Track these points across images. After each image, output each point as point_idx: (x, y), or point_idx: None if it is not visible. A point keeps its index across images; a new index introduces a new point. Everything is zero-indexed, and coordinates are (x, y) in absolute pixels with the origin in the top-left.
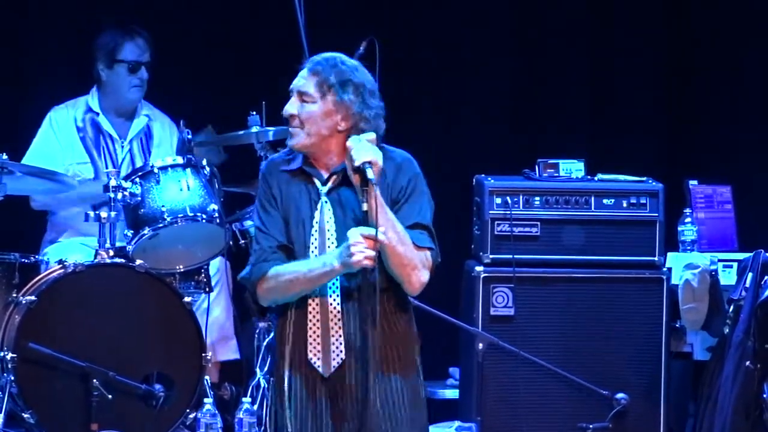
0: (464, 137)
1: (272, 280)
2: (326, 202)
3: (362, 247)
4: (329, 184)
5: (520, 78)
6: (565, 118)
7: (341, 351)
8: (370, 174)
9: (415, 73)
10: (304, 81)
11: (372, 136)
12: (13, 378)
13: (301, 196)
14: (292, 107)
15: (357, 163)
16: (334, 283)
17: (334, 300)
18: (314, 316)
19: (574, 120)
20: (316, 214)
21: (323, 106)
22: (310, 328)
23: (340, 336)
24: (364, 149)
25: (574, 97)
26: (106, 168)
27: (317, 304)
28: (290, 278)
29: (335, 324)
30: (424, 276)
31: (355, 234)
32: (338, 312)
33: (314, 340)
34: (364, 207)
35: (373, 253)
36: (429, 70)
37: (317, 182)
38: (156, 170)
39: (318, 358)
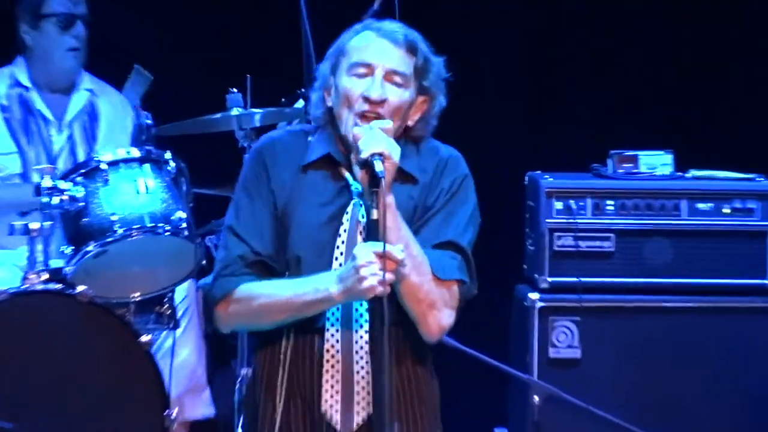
0: (512, 122)
1: (239, 303)
2: (360, 205)
3: (376, 269)
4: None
5: (579, 48)
6: (644, 96)
7: (367, 404)
8: (379, 167)
9: (444, 42)
10: (399, 57)
11: (388, 124)
12: None
13: (318, 194)
14: (383, 89)
15: (364, 155)
16: (357, 310)
17: (362, 337)
18: (333, 356)
19: (656, 100)
20: (345, 221)
21: (413, 94)
22: (327, 371)
23: (367, 383)
24: (375, 138)
25: (653, 73)
26: (38, 162)
27: (339, 339)
28: (266, 303)
29: (361, 368)
30: (445, 318)
31: (365, 252)
32: (366, 353)
33: (332, 386)
34: (373, 214)
35: (390, 278)
36: (460, 38)
37: (348, 177)
38: (104, 166)
39: (336, 411)
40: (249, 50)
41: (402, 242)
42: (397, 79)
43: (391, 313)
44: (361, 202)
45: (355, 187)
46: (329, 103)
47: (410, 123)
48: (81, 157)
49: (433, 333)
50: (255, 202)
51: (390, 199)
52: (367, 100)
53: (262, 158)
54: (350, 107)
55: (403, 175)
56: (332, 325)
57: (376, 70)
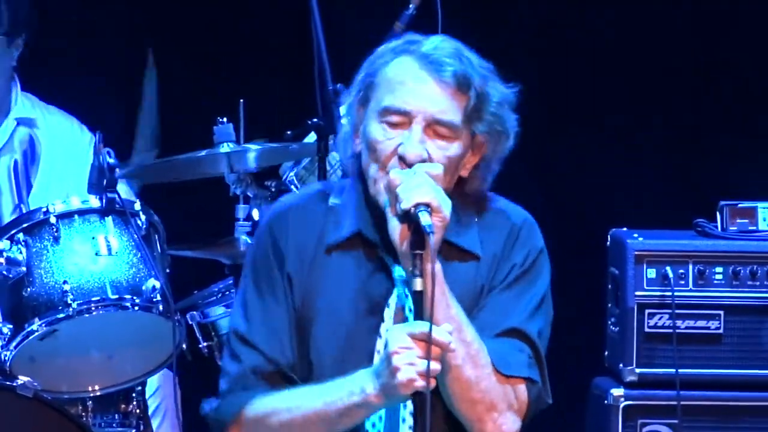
0: (587, 164)
1: (256, 423)
2: (406, 296)
3: (412, 357)
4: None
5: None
6: (760, 136)
7: None
8: (426, 220)
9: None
10: (446, 102)
11: (438, 169)
12: None
13: (348, 282)
14: (422, 146)
15: (405, 206)
16: (404, 418)
17: None
18: None
19: None
20: (387, 318)
21: (464, 144)
22: None
23: None
24: (419, 185)
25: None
26: None
27: None
28: (289, 419)
29: None
30: (508, 424)
31: (399, 335)
32: None
33: None
34: (416, 284)
35: (434, 368)
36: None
37: (385, 258)
38: (53, 219)
39: None
40: (243, 67)
41: (452, 324)
42: (443, 130)
43: (437, 418)
44: (407, 292)
45: (399, 273)
46: (357, 148)
47: (464, 173)
48: (6, 209)
49: None
50: (267, 299)
51: (438, 268)
52: (402, 159)
53: (271, 237)
54: (380, 163)
55: (460, 252)
56: (373, 425)
57: (414, 119)
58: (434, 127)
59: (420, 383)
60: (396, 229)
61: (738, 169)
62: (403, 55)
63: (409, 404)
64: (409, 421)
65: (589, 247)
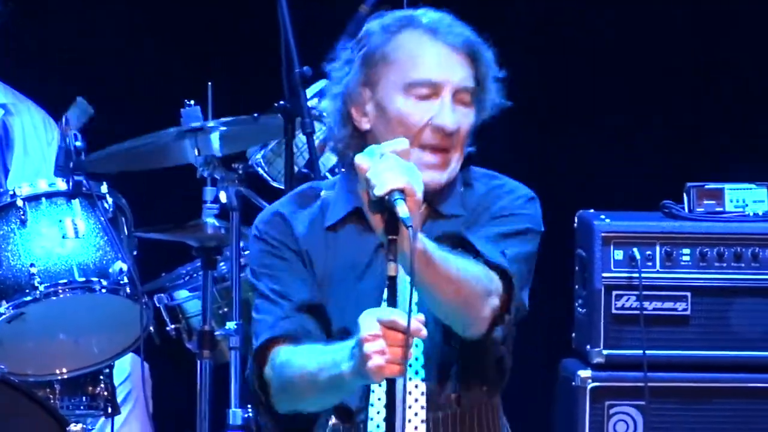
0: (556, 146)
1: (281, 368)
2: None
3: (381, 345)
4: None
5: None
6: (731, 113)
7: None
8: (403, 211)
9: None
10: (464, 70)
11: (404, 144)
12: None
13: (355, 256)
14: (455, 115)
15: (380, 193)
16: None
17: (416, 428)
18: None
19: (747, 118)
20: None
21: (476, 113)
22: None
23: None
24: (390, 169)
25: (744, 83)
26: None
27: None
28: (292, 377)
29: None
30: (493, 302)
31: (369, 322)
32: None
33: None
34: (391, 270)
35: (398, 355)
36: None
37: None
38: (20, 202)
39: None
40: (211, 50)
41: (442, 281)
42: (465, 98)
43: (446, 398)
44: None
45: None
46: (364, 126)
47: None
48: None
49: (485, 322)
50: (288, 263)
51: (420, 246)
52: (439, 130)
53: (273, 227)
54: (412, 136)
55: (440, 215)
56: (378, 412)
57: (443, 90)
58: (459, 95)
59: (389, 372)
60: (371, 216)
61: (708, 149)
62: (407, 29)
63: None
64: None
65: (556, 228)
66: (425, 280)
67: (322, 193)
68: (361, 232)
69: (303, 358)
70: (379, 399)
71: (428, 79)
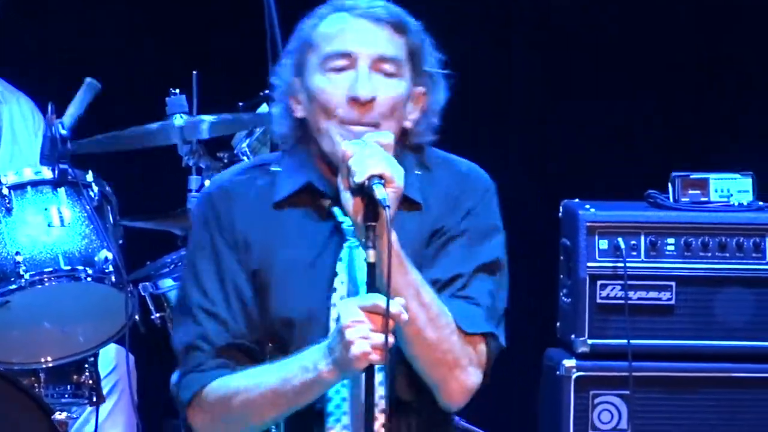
0: (541, 137)
1: (215, 403)
2: (356, 247)
3: (365, 331)
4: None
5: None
6: (716, 104)
7: None
8: (381, 193)
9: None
10: (386, 39)
11: (388, 137)
12: None
13: (300, 239)
14: (371, 83)
15: (359, 179)
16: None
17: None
18: None
19: (733, 110)
20: (340, 271)
21: (409, 84)
22: None
23: None
24: (371, 156)
25: (727, 76)
26: None
27: (348, 428)
28: (247, 399)
29: None
30: (471, 378)
31: (350, 308)
32: None
33: None
34: (370, 256)
35: (382, 340)
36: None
37: (336, 212)
38: (5, 190)
39: None
40: (196, 39)
41: (410, 289)
42: (388, 67)
43: (401, 385)
44: (358, 244)
45: (348, 224)
46: (299, 114)
47: (408, 124)
48: None
49: (455, 398)
50: (223, 263)
51: (394, 237)
52: (353, 101)
53: (213, 207)
54: (331, 114)
55: (405, 202)
56: (337, 406)
57: (359, 59)
58: (379, 64)
59: (374, 356)
60: (349, 201)
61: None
62: (334, 13)
63: (379, 375)
64: (380, 390)
65: (541, 217)
66: (399, 287)
67: (272, 167)
68: (312, 216)
69: (251, 379)
70: (338, 391)
71: (341, 50)
